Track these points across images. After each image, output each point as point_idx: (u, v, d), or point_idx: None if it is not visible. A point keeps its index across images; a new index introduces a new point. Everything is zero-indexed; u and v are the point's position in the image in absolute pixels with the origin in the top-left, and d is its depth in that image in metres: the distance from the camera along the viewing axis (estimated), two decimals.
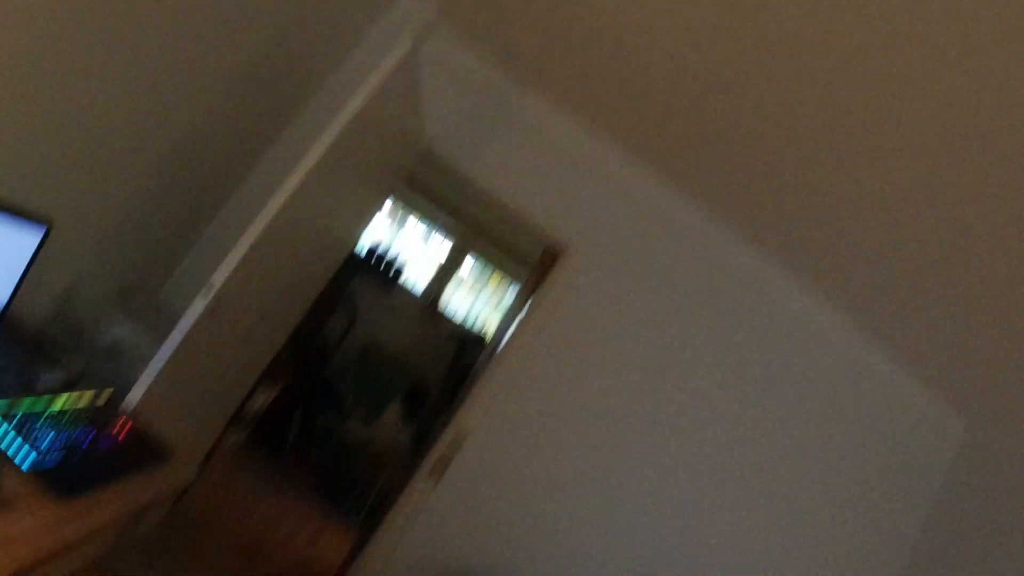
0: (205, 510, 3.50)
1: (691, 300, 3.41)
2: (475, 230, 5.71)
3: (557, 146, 3.35)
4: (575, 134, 3.35)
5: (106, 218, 2.25)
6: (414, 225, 5.99)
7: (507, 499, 3.19)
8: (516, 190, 3.28)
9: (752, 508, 3.44)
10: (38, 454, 1.25)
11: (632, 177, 3.36)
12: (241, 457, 4.24)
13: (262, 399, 4.12)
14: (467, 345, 5.42)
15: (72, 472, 1.33)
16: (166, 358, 1.87)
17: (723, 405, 3.43)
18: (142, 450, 1.62)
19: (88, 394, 1.52)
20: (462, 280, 6.01)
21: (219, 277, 1.97)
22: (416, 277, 5.83)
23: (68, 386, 1.58)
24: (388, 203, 5.61)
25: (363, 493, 4.63)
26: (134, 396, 1.83)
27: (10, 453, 1.21)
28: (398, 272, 5.59)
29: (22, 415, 1.28)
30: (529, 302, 3.42)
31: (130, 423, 1.65)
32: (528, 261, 5.77)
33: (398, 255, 5.62)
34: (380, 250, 5.54)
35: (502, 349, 3.23)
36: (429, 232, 5.98)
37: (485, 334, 5.71)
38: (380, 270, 5.53)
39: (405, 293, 5.70)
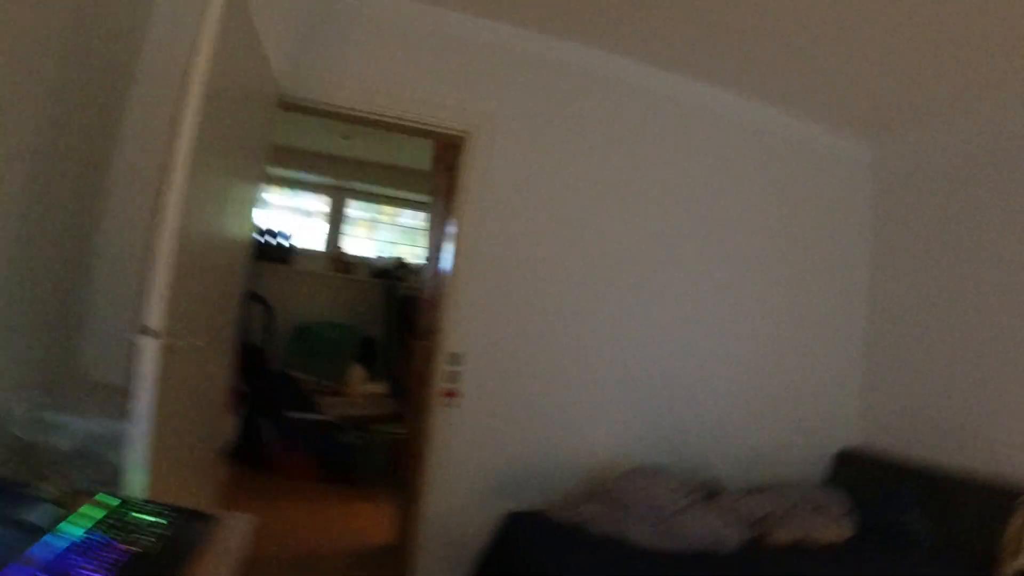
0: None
1: (609, 131, 3.44)
2: (351, 166, 5.39)
3: (413, 28, 3.11)
4: (426, 7, 3.10)
5: None
6: (284, 186, 5.57)
7: (521, 389, 3.22)
8: (390, 96, 3.05)
9: (727, 296, 3.71)
10: None
11: (497, 33, 3.21)
12: (240, 484, 4.06)
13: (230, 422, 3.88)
14: (392, 278, 5.24)
15: None
16: (145, 422, 1.65)
17: (670, 210, 3.62)
18: (181, 524, 1.44)
19: (92, 503, 1.31)
20: (357, 222, 5.72)
21: (151, 316, 1.72)
22: (309, 239, 5.50)
23: (67, 507, 1.35)
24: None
25: (366, 457, 4.56)
26: (135, 478, 1.63)
27: None
28: (288, 241, 5.24)
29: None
30: (453, 201, 3.27)
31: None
32: (421, 169, 5.57)
33: (279, 224, 5.25)
34: (263, 226, 5.16)
35: (454, 259, 3.11)
36: (301, 189, 5.59)
37: (403, 260, 5.53)
38: (271, 247, 5.16)
39: (306, 259, 5.39)
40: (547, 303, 3.23)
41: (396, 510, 3.81)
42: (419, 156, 5.34)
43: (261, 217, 5.36)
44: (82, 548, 1.14)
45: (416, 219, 5.81)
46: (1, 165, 1.79)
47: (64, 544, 1.13)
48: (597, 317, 3.36)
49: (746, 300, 3.77)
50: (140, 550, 1.18)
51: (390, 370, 5.05)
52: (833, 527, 3.20)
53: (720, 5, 2.83)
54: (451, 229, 3.21)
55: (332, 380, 4.95)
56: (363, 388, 5.00)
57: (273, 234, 5.08)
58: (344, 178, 5.42)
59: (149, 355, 1.67)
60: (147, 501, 1.45)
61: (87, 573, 1.06)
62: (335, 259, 5.31)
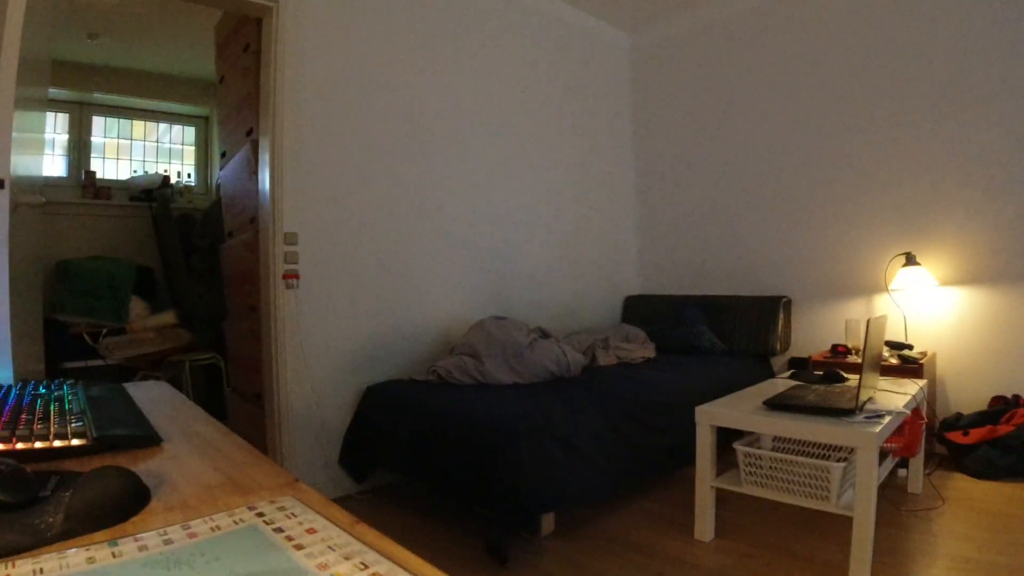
0: None
1: (421, 8, 3.46)
2: (98, 75, 4.67)
3: None
4: None
5: None
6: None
7: (361, 264, 3.22)
8: None
9: (533, 170, 4.09)
10: None
11: None
12: None
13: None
14: (159, 199, 4.74)
15: None
16: None
17: (482, 87, 3.87)
18: None
19: None
20: (104, 145, 5.00)
21: None
22: (47, 166, 4.69)
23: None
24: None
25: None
26: None
27: None
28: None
29: None
30: (254, 83, 3.08)
31: None
32: (182, 75, 5.04)
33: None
34: None
35: (272, 138, 2.94)
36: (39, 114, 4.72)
37: (167, 178, 5.02)
38: None
39: (50, 188, 4.62)
40: (379, 177, 3.24)
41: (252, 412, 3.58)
42: (179, 59, 4.84)
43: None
44: None
45: (177, 135, 5.25)
46: None
47: None
48: (429, 188, 3.47)
49: (547, 174, 4.16)
50: None
51: (176, 298, 4.61)
52: (641, 350, 3.77)
53: None
54: (265, 106, 3.02)
55: (110, 319, 4.39)
56: (147, 323, 4.51)
57: None
58: (89, 90, 4.67)
59: None
60: None
61: None
62: (87, 185, 4.62)
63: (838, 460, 2.13)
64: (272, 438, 2.99)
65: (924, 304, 3.46)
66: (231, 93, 3.50)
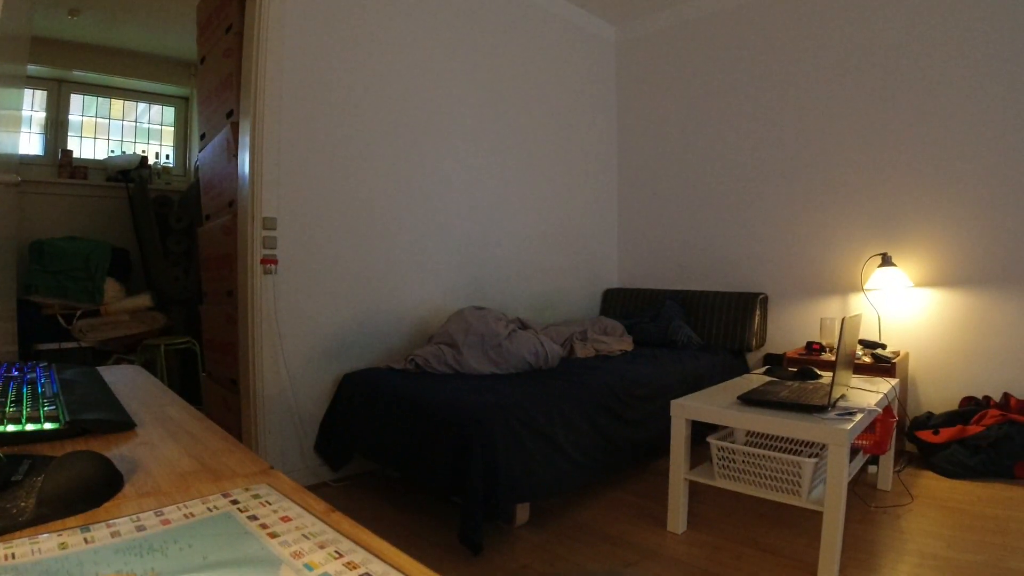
0: None
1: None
2: (77, 52, 4.58)
3: None
4: None
5: None
6: None
7: (340, 250, 3.20)
8: None
9: (515, 161, 4.09)
10: None
11: None
12: None
13: None
14: (136, 180, 4.67)
15: None
16: None
17: (467, 76, 3.85)
18: None
19: None
20: (82, 123, 4.91)
21: None
22: (23, 144, 4.60)
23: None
24: None
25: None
26: None
27: None
28: None
29: None
30: (235, 63, 3.04)
31: None
32: (161, 54, 4.96)
33: None
34: None
35: (252, 121, 2.91)
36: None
37: (145, 158, 4.94)
38: None
39: (26, 167, 4.53)
40: (360, 164, 3.22)
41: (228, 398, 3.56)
42: (160, 38, 4.75)
43: None
44: None
45: (156, 115, 5.17)
46: None
47: None
48: (410, 177, 3.45)
49: (530, 165, 4.16)
50: None
51: (151, 281, 4.55)
52: (619, 343, 3.79)
53: None
54: (246, 88, 2.98)
55: (84, 301, 4.32)
56: (122, 305, 4.46)
57: None
58: (68, 67, 4.58)
59: None
60: None
61: None
62: (64, 164, 4.53)
63: (810, 456, 2.16)
64: (247, 424, 2.97)
65: (899, 304, 3.52)
66: (212, 74, 3.45)
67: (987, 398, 3.18)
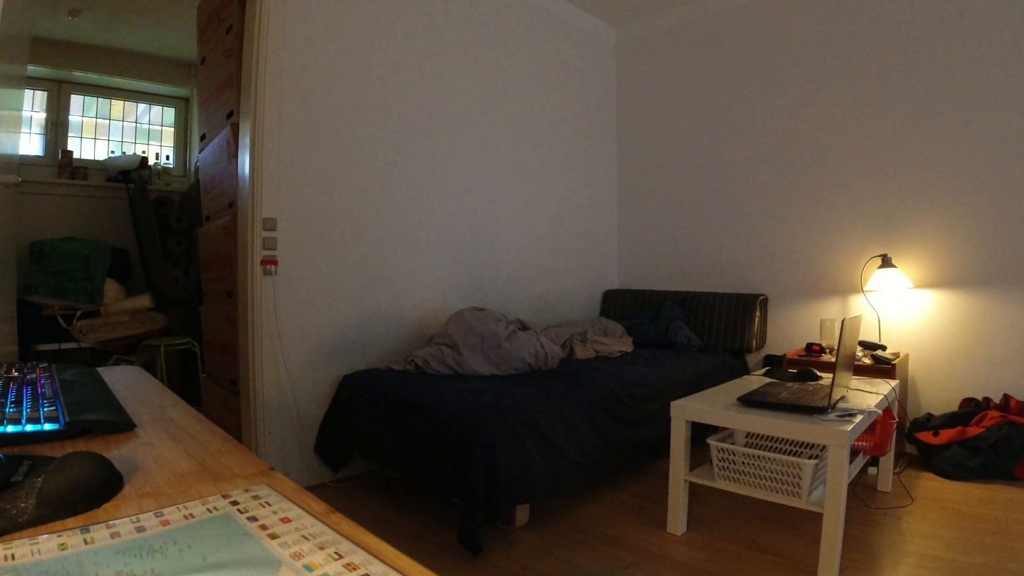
0: None
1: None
2: (77, 53, 4.58)
3: None
4: None
5: None
6: None
7: (341, 251, 3.20)
8: None
9: (516, 163, 4.10)
10: None
11: None
12: None
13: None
14: (136, 180, 4.67)
15: None
16: None
17: (468, 79, 3.86)
18: None
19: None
20: (82, 124, 4.91)
21: None
22: (23, 144, 4.60)
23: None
24: None
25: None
26: None
27: None
28: None
29: None
30: (235, 63, 3.04)
31: None
32: (162, 55, 4.97)
33: None
34: None
35: (252, 121, 2.90)
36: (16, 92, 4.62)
37: (145, 159, 4.94)
38: None
39: (27, 167, 4.53)
40: (360, 165, 3.22)
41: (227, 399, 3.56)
42: (160, 39, 4.75)
43: None
44: None
45: (156, 115, 5.17)
46: None
47: None
48: (410, 178, 3.45)
49: (530, 166, 4.16)
50: None
51: (151, 281, 4.55)
52: (619, 344, 3.79)
53: None
54: (246, 89, 2.98)
55: (84, 302, 4.33)
56: (121, 305, 4.46)
57: None
58: (68, 68, 4.58)
59: None
60: None
61: None
62: (64, 165, 4.53)
63: (810, 457, 2.16)
64: (247, 425, 2.97)
65: (899, 305, 3.52)
66: (212, 75, 3.45)
67: (987, 399, 3.18)
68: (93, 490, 0.65)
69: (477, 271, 3.82)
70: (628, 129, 4.79)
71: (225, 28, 3.22)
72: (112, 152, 4.99)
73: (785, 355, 3.63)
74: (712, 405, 2.36)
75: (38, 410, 0.89)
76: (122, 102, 5.04)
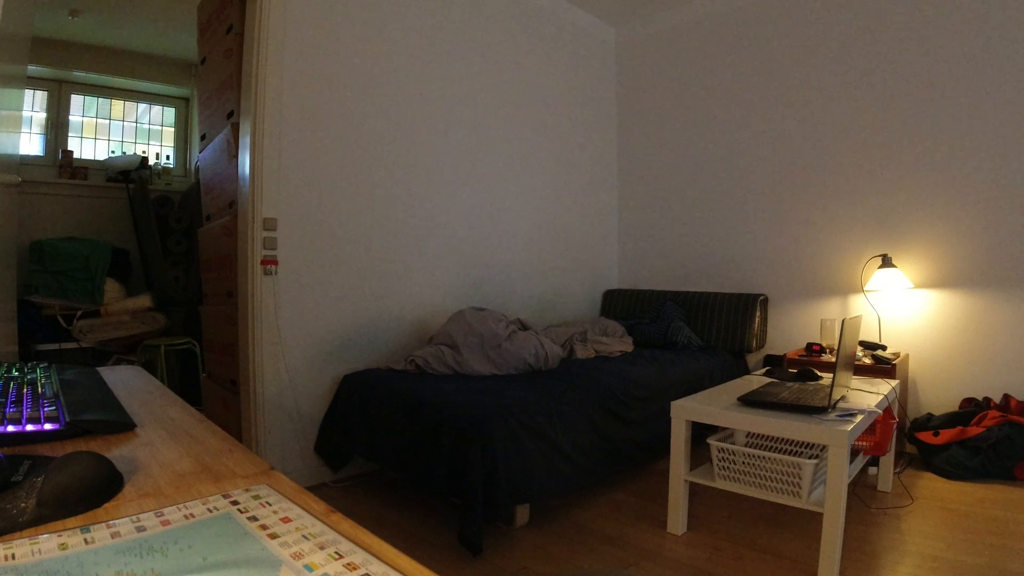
0: None
1: None
2: (78, 53, 4.58)
3: None
4: None
5: None
6: None
7: (341, 251, 3.20)
8: None
9: (515, 162, 4.10)
10: None
11: None
12: None
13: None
14: (136, 180, 4.67)
15: None
16: None
17: (467, 79, 3.86)
18: None
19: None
20: (82, 124, 4.91)
21: None
22: (24, 144, 4.60)
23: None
24: None
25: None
26: None
27: None
28: None
29: None
30: (235, 63, 3.04)
31: None
32: (162, 55, 4.97)
33: None
34: None
35: (253, 122, 2.90)
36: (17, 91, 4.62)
37: (146, 159, 4.95)
38: None
39: (27, 167, 4.53)
40: (360, 165, 3.22)
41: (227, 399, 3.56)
42: (160, 39, 4.75)
43: None
44: None
45: (156, 115, 5.17)
46: None
47: None
48: (411, 177, 3.45)
49: (530, 166, 4.16)
50: None
51: (152, 281, 4.55)
52: (619, 343, 3.79)
53: None
54: (246, 89, 2.98)
55: (84, 301, 4.33)
56: (122, 305, 4.46)
57: None
58: (69, 67, 4.58)
59: None
60: None
61: None
62: (64, 164, 4.53)
63: (810, 457, 2.16)
64: (247, 425, 2.97)
65: (899, 305, 3.52)
66: (212, 74, 3.45)
67: (987, 399, 3.18)
68: (93, 490, 0.65)
69: (477, 271, 3.82)
70: (628, 129, 4.79)
71: (225, 28, 3.22)
72: (112, 152, 5.00)
73: (785, 355, 3.63)
74: (712, 405, 2.36)
75: (38, 410, 0.89)
76: (122, 102, 5.04)
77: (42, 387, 1.05)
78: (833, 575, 2.00)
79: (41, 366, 1.25)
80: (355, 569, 0.52)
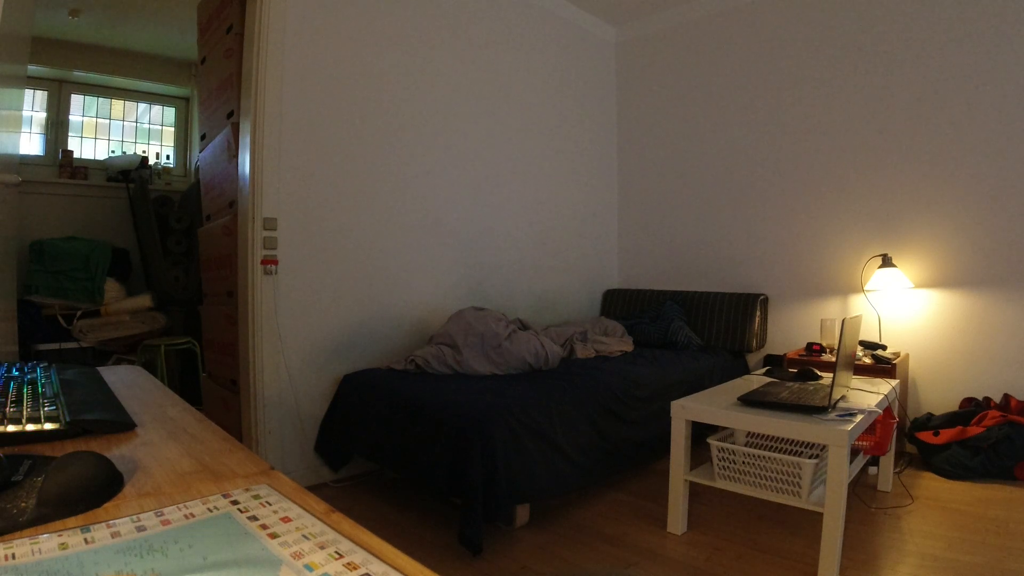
0: None
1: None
2: (78, 53, 4.59)
3: None
4: None
5: None
6: None
7: (341, 251, 3.20)
8: None
9: (515, 162, 4.11)
10: None
11: None
12: None
13: None
14: (136, 180, 4.67)
15: None
16: None
17: (467, 77, 3.86)
18: None
19: None
20: (82, 124, 4.91)
21: None
22: (24, 144, 4.60)
23: None
24: None
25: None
26: None
27: None
28: None
29: None
30: (235, 64, 3.04)
31: None
32: (162, 55, 4.97)
33: None
34: None
35: (253, 120, 2.90)
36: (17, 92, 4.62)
37: (146, 159, 4.95)
38: None
39: (27, 167, 4.52)
40: (360, 165, 3.22)
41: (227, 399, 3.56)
42: (160, 39, 4.76)
43: None
44: None
45: (156, 115, 5.17)
46: None
47: None
48: (411, 178, 3.45)
49: (530, 166, 4.16)
50: None
51: (152, 281, 4.55)
52: (619, 343, 3.79)
53: None
54: (246, 89, 2.98)
55: (84, 301, 4.33)
56: (122, 305, 4.46)
57: None
58: (69, 67, 4.58)
59: None
60: None
61: None
62: (64, 164, 4.53)
63: (810, 457, 2.16)
64: (247, 425, 2.97)
65: (899, 305, 3.52)
66: (212, 74, 3.45)
67: (987, 399, 3.18)
68: (93, 490, 0.65)
69: (477, 270, 3.82)
70: (628, 129, 4.79)
71: (225, 28, 3.22)
72: (112, 152, 5.00)
73: (785, 355, 3.63)
74: (712, 405, 2.36)
75: (39, 410, 0.89)
76: (122, 102, 5.04)
77: (42, 387, 1.05)
78: (833, 575, 2.00)
79: (41, 366, 1.25)
80: (355, 569, 0.52)
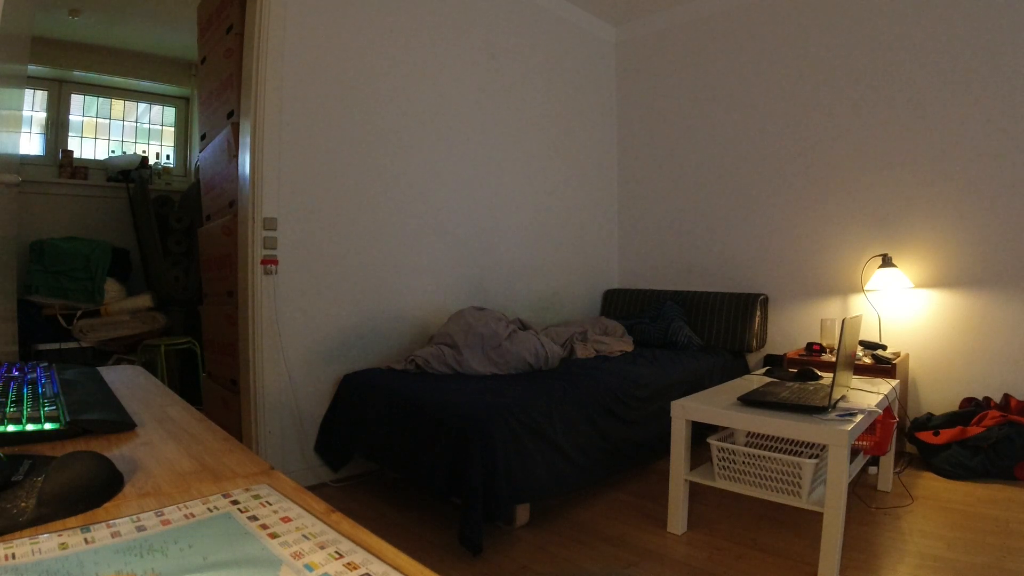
0: None
1: None
2: (77, 53, 4.58)
3: None
4: None
5: None
6: None
7: (341, 251, 3.20)
8: None
9: (515, 161, 4.11)
10: None
11: None
12: None
13: None
14: (136, 180, 4.67)
15: None
16: None
17: (467, 78, 3.85)
18: None
19: None
20: (82, 124, 4.91)
21: None
22: (24, 144, 4.60)
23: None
24: None
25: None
26: None
27: None
28: None
29: None
30: (235, 63, 3.04)
31: None
32: (161, 55, 4.97)
33: None
34: None
35: (253, 120, 2.90)
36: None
37: (146, 159, 4.95)
38: None
39: (27, 167, 4.53)
40: (360, 165, 3.22)
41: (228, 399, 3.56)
42: (161, 38, 4.76)
43: None
44: None
45: (156, 115, 5.18)
46: None
47: None
48: (411, 177, 3.45)
49: (530, 166, 4.16)
50: None
51: (152, 281, 4.55)
52: (619, 343, 3.79)
53: None
54: (246, 89, 2.98)
55: (84, 301, 4.33)
56: (122, 305, 4.47)
57: None
58: (69, 67, 4.58)
59: None
60: None
61: None
62: (64, 164, 4.53)
63: (810, 457, 2.16)
64: (247, 425, 2.97)
65: (899, 305, 3.52)
66: (213, 74, 3.45)
67: (987, 399, 3.18)
68: (93, 489, 0.65)
69: (477, 270, 3.82)
70: (628, 129, 4.79)
71: (225, 28, 3.22)
72: (112, 152, 5.00)
73: (785, 355, 3.63)
74: (712, 405, 2.36)
75: (39, 409, 0.89)
76: (122, 102, 5.04)
77: (42, 387, 1.05)
78: (833, 575, 2.00)
79: (41, 366, 1.25)
80: (355, 569, 0.52)
